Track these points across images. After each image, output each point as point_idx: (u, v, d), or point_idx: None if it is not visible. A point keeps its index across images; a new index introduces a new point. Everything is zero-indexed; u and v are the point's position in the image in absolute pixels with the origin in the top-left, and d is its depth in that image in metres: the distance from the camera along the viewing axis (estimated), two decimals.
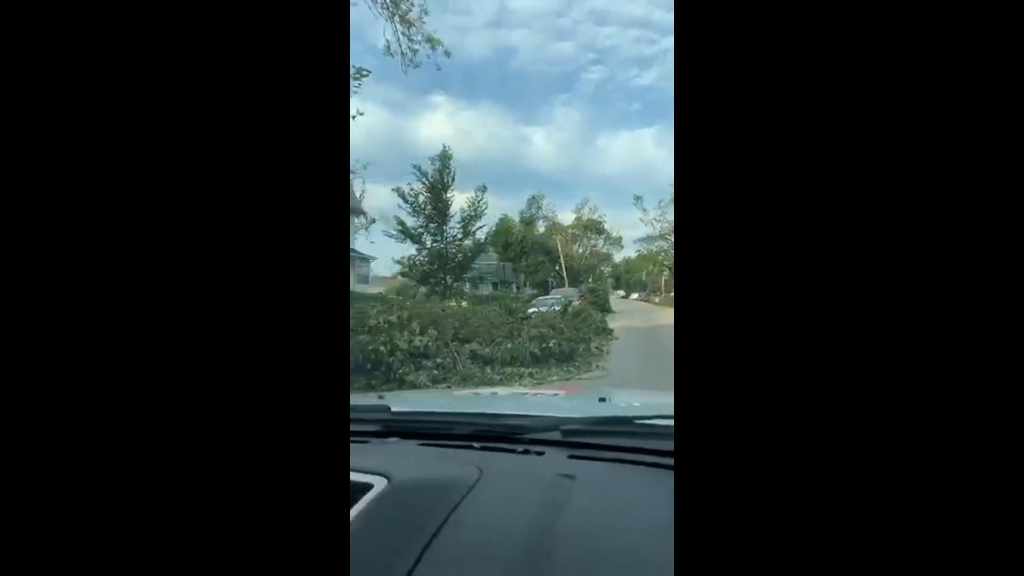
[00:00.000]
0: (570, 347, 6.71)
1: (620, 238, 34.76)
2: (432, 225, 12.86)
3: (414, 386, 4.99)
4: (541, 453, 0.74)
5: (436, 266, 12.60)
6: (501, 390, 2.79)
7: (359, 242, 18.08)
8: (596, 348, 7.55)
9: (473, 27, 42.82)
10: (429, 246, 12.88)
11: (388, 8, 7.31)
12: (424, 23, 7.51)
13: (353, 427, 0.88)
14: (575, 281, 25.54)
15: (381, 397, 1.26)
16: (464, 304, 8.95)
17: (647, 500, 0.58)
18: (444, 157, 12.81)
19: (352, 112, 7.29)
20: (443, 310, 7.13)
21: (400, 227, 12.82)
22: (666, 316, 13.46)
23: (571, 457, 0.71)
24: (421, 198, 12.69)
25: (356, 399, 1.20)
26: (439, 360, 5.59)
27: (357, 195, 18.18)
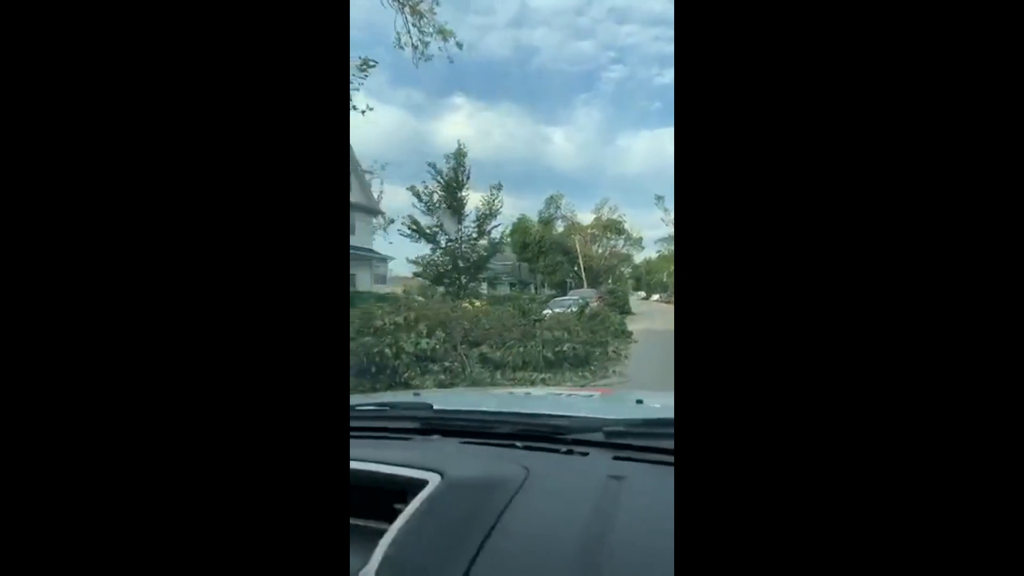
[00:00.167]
0: (585, 351, 6.36)
1: (640, 238, 34.21)
2: (447, 224, 12.69)
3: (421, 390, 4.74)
4: (585, 454, 0.73)
5: (451, 266, 12.40)
6: (535, 390, 2.79)
7: (377, 242, 18.12)
8: (613, 352, 7.19)
9: (494, 26, 42.80)
10: (444, 245, 12.70)
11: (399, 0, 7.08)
12: (435, 14, 7.27)
13: (395, 423, 0.90)
14: (594, 282, 25.11)
15: (417, 395, 1.23)
16: (477, 304, 8.70)
17: None
18: (459, 155, 12.62)
19: (362, 107, 7.09)
20: (452, 311, 6.89)
21: (414, 226, 12.68)
22: None
23: (616, 458, 0.70)
24: (435, 197, 12.52)
25: (395, 396, 1.22)
26: (447, 364, 5.33)
27: (375, 196, 18.20)
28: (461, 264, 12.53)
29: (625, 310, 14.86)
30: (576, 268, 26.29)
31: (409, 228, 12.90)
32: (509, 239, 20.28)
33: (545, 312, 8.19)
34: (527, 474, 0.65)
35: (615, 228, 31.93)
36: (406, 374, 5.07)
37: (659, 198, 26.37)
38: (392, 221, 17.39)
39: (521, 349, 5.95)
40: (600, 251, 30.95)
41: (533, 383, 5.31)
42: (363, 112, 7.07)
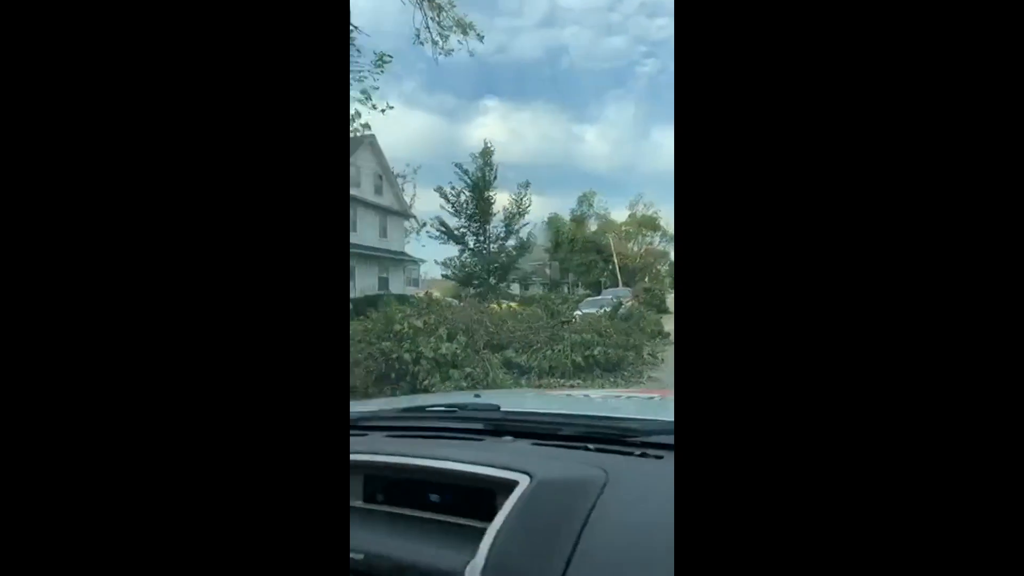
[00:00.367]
0: (617, 355, 5.93)
1: None
2: (474, 225, 12.47)
3: None
4: (660, 456, 0.72)
5: (479, 267, 12.18)
6: (593, 392, 2.71)
7: (411, 246, 18.21)
8: (649, 355, 6.71)
9: (524, 28, 42.57)
10: (472, 246, 12.50)
11: None
12: (454, 6, 7.02)
13: (464, 424, 0.95)
14: (629, 280, 24.35)
15: (478, 396, 1.25)
16: (508, 306, 8.41)
17: None
18: (485, 154, 12.39)
19: (381, 106, 6.93)
20: (481, 312, 6.62)
21: (442, 228, 12.55)
22: None
23: None
24: (463, 197, 12.34)
25: (458, 397, 1.25)
26: (468, 370, 5.06)
27: (408, 200, 18.34)
28: (490, 265, 12.30)
29: (662, 308, 14.22)
30: (611, 266, 25.60)
31: (437, 230, 12.80)
32: (539, 239, 19.90)
33: (576, 313, 7.78)
34: (607, 476, 0.65)
35: (650, 224, 30.97)
36: (426, 380, 4.83)
37: None
38: (424, 224, 17.47)
39: (548, 353, 5.59)
40: (635, 248, 30.08)
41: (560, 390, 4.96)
42: (383, 111, 6.91)
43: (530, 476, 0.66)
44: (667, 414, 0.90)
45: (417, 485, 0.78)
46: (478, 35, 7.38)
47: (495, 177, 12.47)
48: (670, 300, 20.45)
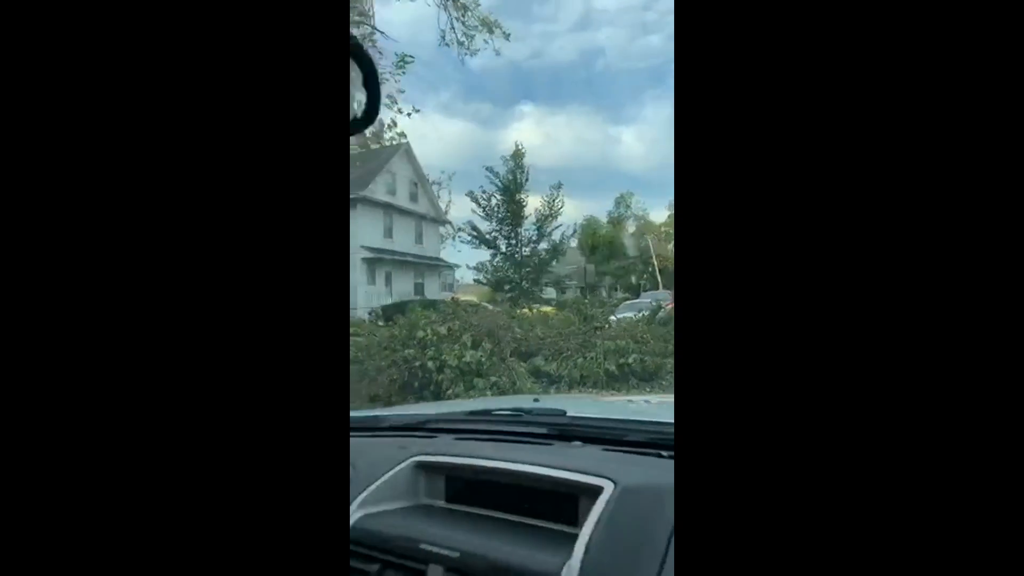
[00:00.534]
0: (655, 363, 5.50)
1: None
2: (506, 228, 12.27)
3: None
4: None
5: (511, 271, 11.96)
6: (652, 397, 2.68)
7: (446, 251, 18.30)
8: None
9: (558, 33, 42.32)
10: (504, 250, 12.30)
11: None
12: (479, 5, 6.86)
13: (529, 428, 0.95)
14: (669, 283, 23.46)
15: (536, 400, 1.25)
16: (538, 311, 8.11)
17: None
18: (517, 156, 12.19)
19: (407, 110, 6.86)
20: (511, 317, 6.37)
21: (474, 232, 12.44)
22: None
23: None
24: (494, 200, 12.18)
25: (519, 401, 1.31)
26: (494, 379, 4.81)
27: (443, 206, 18.47)
28: (522, 269, 12.04)
29: None
30: (650, 269, 24.78)
31: (469, 235, 12.70)
32: (576, 241, 19.43)
33: (613, 317, 7.38)
34: None
35: None
36: (449, 390, 4.63)
37: None
38: (460, 230, 17.53)
39: (579, 361, 5.26)
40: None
41: None
42: (408, 115, 6.85)
43: (614, 482, 0.66)
44: None
45: (499, 487, 0.79)
46: (504, 34, 7.17)
47: (527, 179, 12.24)
48: None
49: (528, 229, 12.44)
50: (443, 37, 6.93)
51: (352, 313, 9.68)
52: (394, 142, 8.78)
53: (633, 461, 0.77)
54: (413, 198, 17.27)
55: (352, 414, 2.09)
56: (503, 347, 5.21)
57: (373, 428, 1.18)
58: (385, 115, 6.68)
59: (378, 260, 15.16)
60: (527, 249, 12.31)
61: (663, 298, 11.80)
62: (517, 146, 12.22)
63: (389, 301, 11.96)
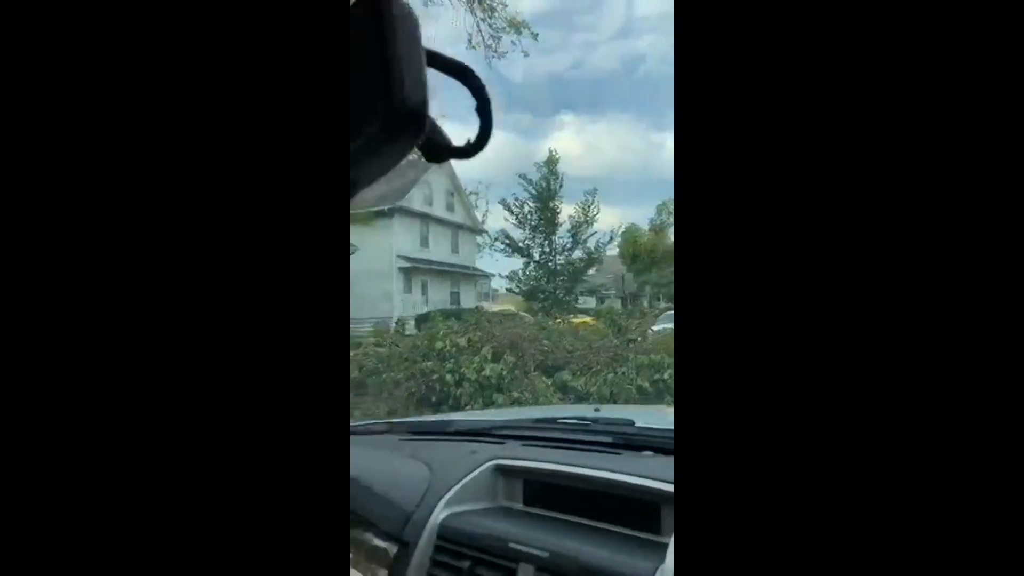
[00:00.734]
0: None
1: None
2: (539, 236, 11.97)
3: None
4: None
5: (544, 280, 11.63)
6: None
7: (483, 261, 18.26)
8: None
9: (599, 42, 41.91)
10: (537, 258, 12.00)
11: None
12: (506, 6, 6.68)
13: (597, 437, 0.94)
14: None
15: (597, 409, 1.27)
16: (568, 321, 7.74)
17: None
18: (550, 162, 11.90)
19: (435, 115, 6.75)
20: (541, 328, 6.06)
21: (507, 240, 12.21)
22: None
23: None
24: (527, 208, 11.93)
25: (581, 410, 1.36)
26: (515, 395, 4.51)
27: (480, 216, 18.49)
28: (556, 278, 11.68)
29: None
30: None
31: (502, 243, 12.48)
32: (620, 250, 18.81)
33: (651, 329, 6.89)
34: None
35: None
36: (468, 405, 4.37)
37: None
38: (496, 239, 17.45)
39: (610, 376, 4.86)
40: None
41: None
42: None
43: None
44: None
45: (576, 492, 0.81)
46: (532, 34, 6.93)
47: (560, 186, 11.92)
48: None
49: (563, 237, 12.09)
50: (469, 40, 6.78)
51: (386, 323, 9.70)
52: None
53: None
54: (449, 208, 17.35)
55: (419, 419, 1.92)
56: (526, 360, 4.90)
57: (440, 432, 1.18)
58: None
59: (414, 269, 15.28)
60: (561, 257, 11.95)
61: None
62: (551, 152, 11.96)
63: (424, 310, 11.97)
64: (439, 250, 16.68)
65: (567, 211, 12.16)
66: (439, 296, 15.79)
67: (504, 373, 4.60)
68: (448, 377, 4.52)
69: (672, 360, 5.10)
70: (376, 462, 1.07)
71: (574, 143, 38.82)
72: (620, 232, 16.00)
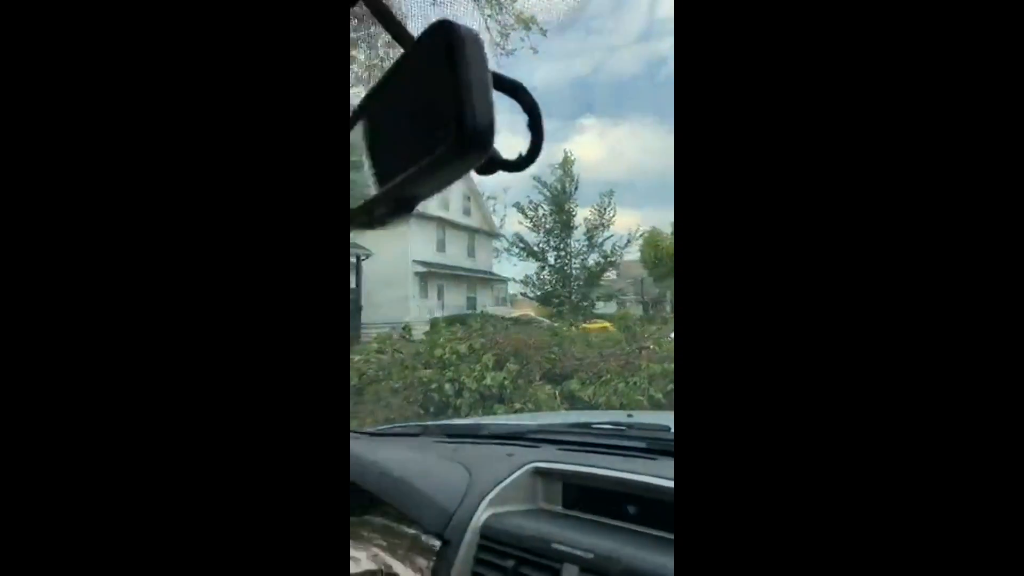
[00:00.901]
0: None
1: None
2: (554, 240, 11.69)
3: None
4: None
5: (559, 284, 11.33)
6: None
7: (501, 265, 18.12)
8: None
9: (621, 45, 41.45)
10: (552, 262, 11.71)
11: None
12: (514, 1, 6.50)
13: (632, 443, 0.95)
14: None
15: (631, 415, 1.28)
16: (590, 327, 7.43)
17: None
18: (565, 163, 11.63)
19: None
20: (554, 334, 5.80)
21: (521, 244, 11.98)
22: None
23: None
24: (541, 211, 11.67)
25: (615, 416, 1.40)
26: (518, 405, 4.25)
27: (498, 221, 18.36)
28: (572, 282, 11.35)
29: None
30: None
31: (517, 247, 12.25)
32: (640, 253, 18.36)
33: (671, 336, 6.53)
34: None
35: None
36: (467, 416, 4.14)
37: None
38: (512, 243, 17.25)
39: (621, 386, 4.55)
40: None
41: None
42: None
43: None
44: None
45: (616, 496, 0.82)
46: (541, 30, 6.73)
47: (576, 188, 11.62)
48: None
49: (579, 240, 11.78)
50: None
51: (400, 329, 9.59)
52: None
53: None
54: (466, 212, 17.28)
55: (452, 421, 1.95)
56: (531, 368, 4.64)
57: (475, 435, 1.20)
58: None
59: (430, 274, 15.21)
60: (576, 261, 11.64)
61: None
62: (566, 154, 11.68)
63: (440, 315, 11.85)
64: (455, 255, 16.59)
65: (583, 214, 11.87)
66: (455, 301, 15.68)
67: (506, 382, 4.35)
68: (447, 386, 4.30)
69: None
70: (414, 461, 1.08)
71: (596, 147, 38.43)
72: (638, 235, 15.58)
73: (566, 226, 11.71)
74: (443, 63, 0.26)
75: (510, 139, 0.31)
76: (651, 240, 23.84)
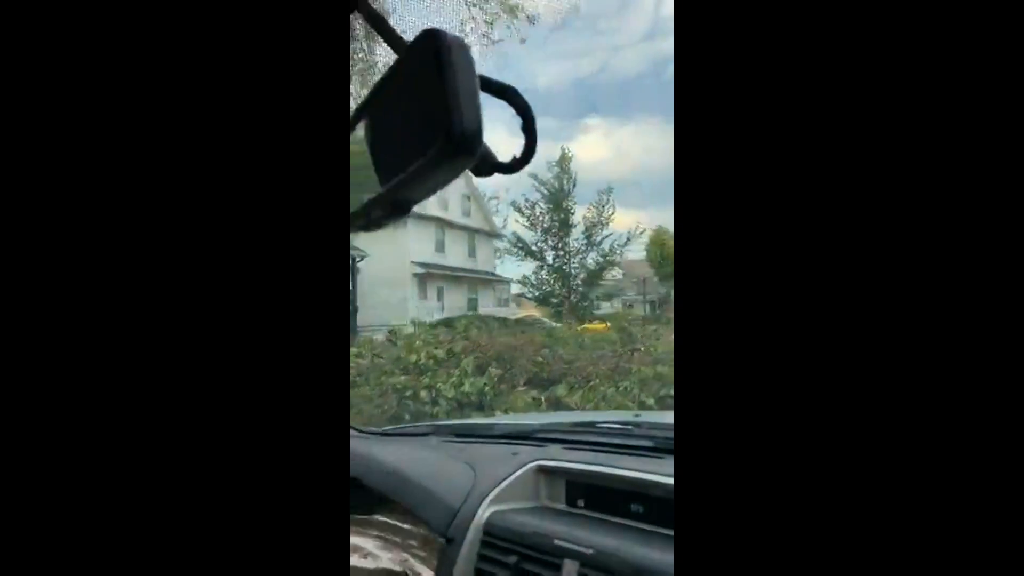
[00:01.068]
0: None
1: None
2: (552, 239, 11.39)
3: None
4: None
5: (558, 284, 11.02)
6: None
7: (503, 266, 17.86)
8: None
9: (626, 44, 41.00)
10: (551, 262, 11.42)
11: None
12: None
13: (639, 441, 0.94)
14: None
15: (637, 415, 1.29)
16: (578, 328, 7.13)
17: None
18: (563, 161, 11.33)
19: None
20: (546, 335, 5.52)
21: (519, 244, 11.71)
22: None
23: None
24: (538, 209, 11.40)
25: (622, 415, 1.50)
26: (498, 413, 3.97)
27: (501, 222, 18.10)
28: (570, 282, 11.04)
29: None
30: None
31: (515, 247, 11.97)
32: (647, 253, 17.97)
33: (672, 338, 6.20)
34: None
35: None
36: None
37: None
38: (512, 244, 16.95)
39: (610, 391, 4.25)
40: None
41: None
42: None
43: None
44: None
45: (619, 494, 0.83)
46: (528, 17, 6.44)
47: (574, 186, 11.32)
48: None
49: (577, 239, 11.48)
50: (463, 29, 6.35)
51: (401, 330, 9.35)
52: None
53: None
54: (466, 212, 17.04)
55: (461, 421, 1.97)
56: (516, 373, 4.36)
57: (483, 435, 1.20)
58: None
59: (429, 275, 14.98)
60: (575, 260, 11.34)
61: None
62: (563, 151, 11.39)
63: (440, 316, 11.62)
64: (455, 255, 16.36)
65: (581, 212, 11.56)
66: (456, 303, 15.44)
67: (487, 389, 4.07)
68: (423, 394, 4.04)
69: None
70: (421, 460, 1.09)
71: (602, 146, 38.00)
72: (639, 233, 15.20)
73: (564, 224, 11.42)
74: (432, 69, 0.27)
75: (510, 139, 0.32)
76: (657, 239, 23.42)
